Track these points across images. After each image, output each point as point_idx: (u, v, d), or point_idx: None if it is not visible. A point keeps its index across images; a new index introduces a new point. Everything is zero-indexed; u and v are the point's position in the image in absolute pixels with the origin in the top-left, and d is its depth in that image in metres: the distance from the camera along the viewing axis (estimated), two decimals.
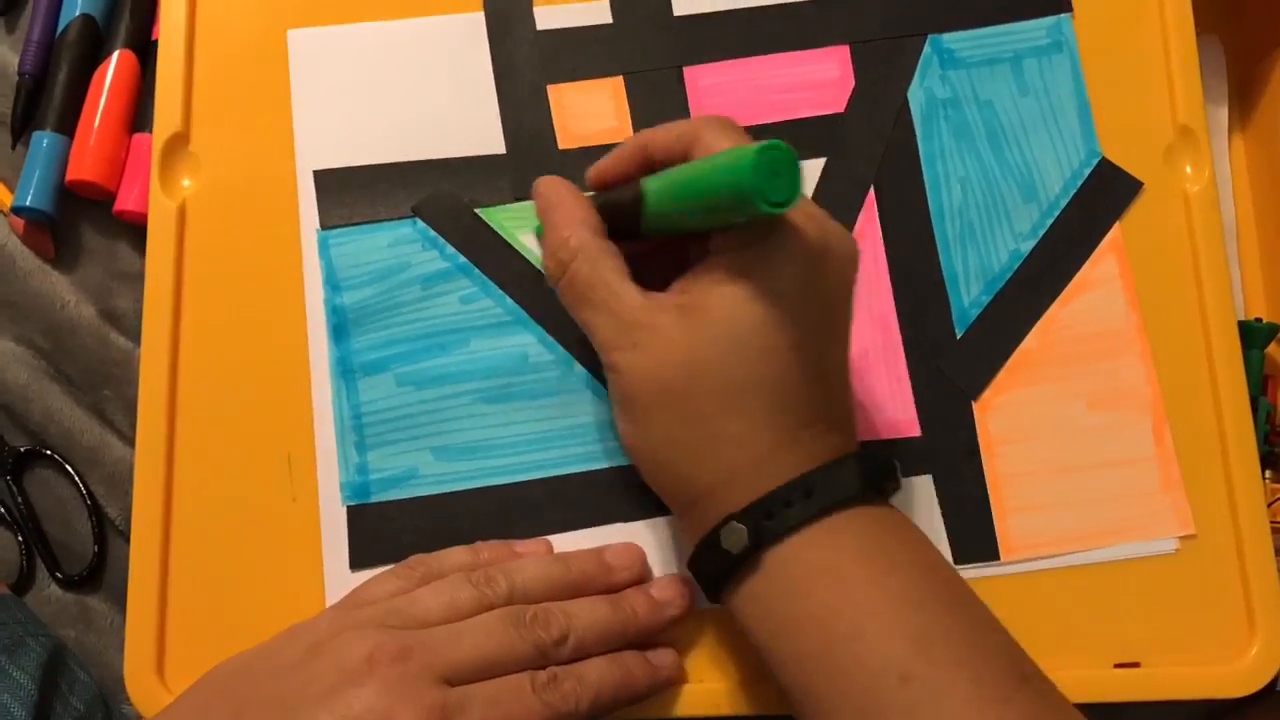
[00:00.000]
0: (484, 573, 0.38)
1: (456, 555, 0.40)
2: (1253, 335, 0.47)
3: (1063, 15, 0.47)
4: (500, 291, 0.44)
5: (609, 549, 0.41)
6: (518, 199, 0.45)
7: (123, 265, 0.49)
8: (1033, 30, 0.47)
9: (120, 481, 0.47)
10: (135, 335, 0.48)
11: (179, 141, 0.45)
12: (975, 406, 0.44)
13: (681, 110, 0.46)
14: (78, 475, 0.47)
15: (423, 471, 0.42)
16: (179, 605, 0.41)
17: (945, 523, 0.43)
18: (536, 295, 0.44)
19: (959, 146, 0.46)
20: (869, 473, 0.36)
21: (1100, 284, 0.45)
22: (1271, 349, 0.49)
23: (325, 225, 0.44)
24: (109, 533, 0.47)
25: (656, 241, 0.40)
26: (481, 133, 0.45)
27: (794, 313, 0.35)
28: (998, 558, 0.42)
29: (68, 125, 0.49)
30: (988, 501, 0.43)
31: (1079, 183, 0.46)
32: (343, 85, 0.46)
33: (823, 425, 0.36)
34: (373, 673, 0.34)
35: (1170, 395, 0.44)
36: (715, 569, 0.36)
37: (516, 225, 0.45)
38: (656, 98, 0.46)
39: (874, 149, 0.46)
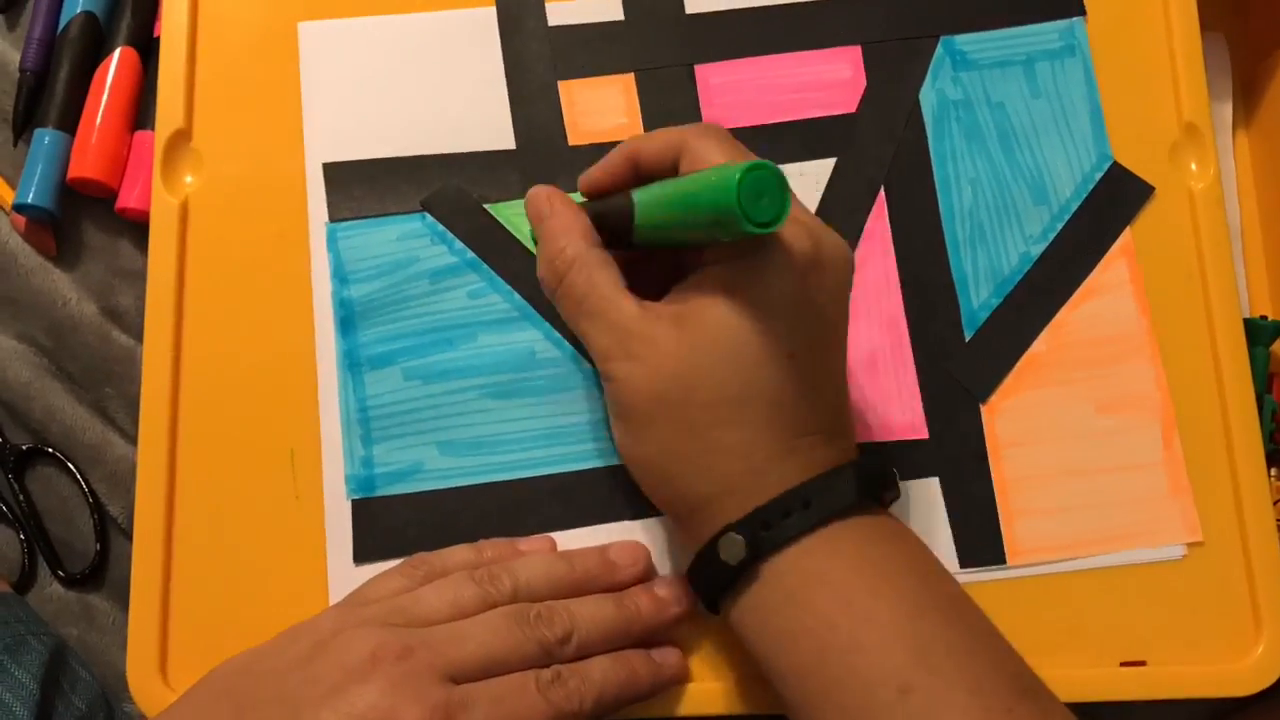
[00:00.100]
0: (488, 571, 0.38)
1: (460, 553, 0.40)
2: (1258, 333, 0.47)
3: (1075, 19, 0.47)
4: (508, 287, 0.44)
5: (613, 547, 0.41)
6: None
7: (125, 263, 0.49)
8: (1046, 33, 0.47)
9: (122, 479, 0.47)
10: (137, 333, 0.48)
11: (181, 138, 0.45)
12: (983, 409, 0.44)
13: (692, 108, 0.46)
14: (79, 473, 0.47)
15: (428, 466, 0.42)
16: (181, 603, 0.41)
17: (951, 525, 0.43)
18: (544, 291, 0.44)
19: (970, 148, 0.46)
20: (867, 482, 0.36)
21: (1110, 288, 0.45)
22: (1277, 347, 0.48)
23: (334, 218, 0.44)
24: (111, 531, 0.47)
25: (651, 249, 0.39)
26: (492, 128, 0.45)
27: (788, 323, 0.35)
28: (1004, 561, 0.42)
29: (69, 123, 0.49)
30: (994, 505, 0.43)
31: (1090, 186, 0.46)
32: (353, 78, 0.46)
33: (820, 435, 0.36)
34: (376, 671, 0.34)
35: (1175, 395, 0.44)
36: (713, 580, 0.36)
37: (525, 221, 0.44)
38: (667, 95, 0.46)
39: (885, 150, 0.46)
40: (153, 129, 0.45)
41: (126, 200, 0.48)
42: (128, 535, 0.46)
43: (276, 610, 0.39)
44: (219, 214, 0.44)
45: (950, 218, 0.45)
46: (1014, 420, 0.44)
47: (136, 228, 0.49)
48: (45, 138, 0.48)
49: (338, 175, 0.45)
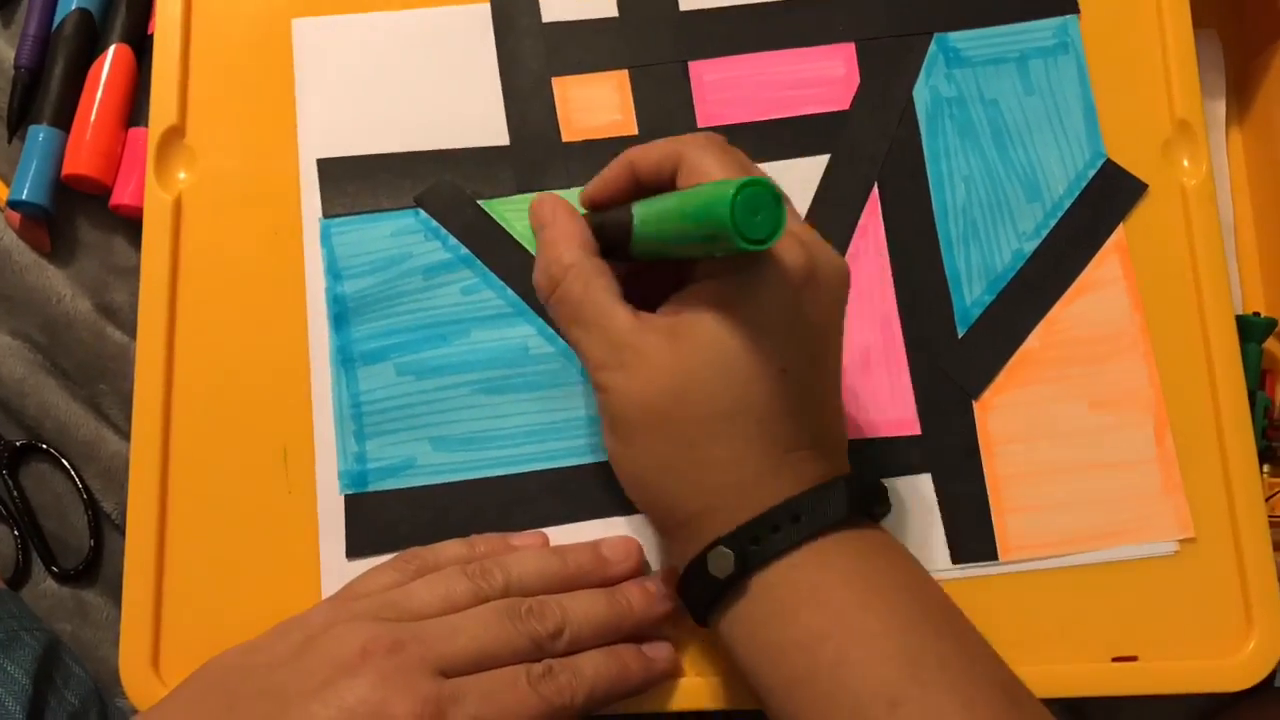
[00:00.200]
0: (479, 565, 0.38)
1: (452, 548, 0.40)
2: (1250, 329, 0.47)
3: (1069, 16, 0.47)
4: (501, 283, 0.44)
5: (605, 542, 0.41)
6: (520, 191, 0.45)
7: (119, 259, 0.49)
8: (1039, 30, 0.47)
9: (116, 476, 0.47)
10: (131, 329, 0.48)
11: (174, 135, 0.45)
12: (976, 406, 0.44)
13: (686, 105, 0.46)
14: (73, 469, 0.47)
15: (421, 461, 0.42)
16: (174, 599, 0.41)
17: (944, 522, 0.43)
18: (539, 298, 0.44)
19: (963, 145, 0.46)
20: (858, 497, 0.36)
21: (1103, 285, 0.45)
22: (1269, 343, 0.48)
23: (328, 214, 0.44)
24: (105, 527, 0.47)
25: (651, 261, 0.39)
26: (485, 124, 0.45)
27: (782, 338, 0.35)
28: (996, 558, 0.42)
29: (64, 119, 0.49)
30: (987, 501, 0.43)
31: (1083, 183, 0.46)
32: (347, 74, 0.46)
33: (811, 450, 0.36)
34: (367, 664, 0.34)
35: (1167, 391, 0.44)
36: (702, 594, 0.36)
37: (519, 217, 0.44)
38: (661, 92, 0.46)
39: (878, 147, 0.46)
40: (146, 126, 0.45)
41: (120, 197, 0.48)
42: (121, 531, 0.46)
43: (269, 605, 0.39)
44: (212, 210, 0.44)
45: (943, 214, 0.45)
46: (1006, 417, 0.44)
47: (130, 224, 0.49)
48: (40, 134, 0.48)
49: (331, 171, 0.45)
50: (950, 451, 0.43)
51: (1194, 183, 0.46)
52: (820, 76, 0.46)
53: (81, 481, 0.47)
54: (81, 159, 0.48)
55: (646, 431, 0.36)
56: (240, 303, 0.44)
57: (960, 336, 0.44)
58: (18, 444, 0.47)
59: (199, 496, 0.42)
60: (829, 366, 0.37)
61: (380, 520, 0.42)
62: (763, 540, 0.34)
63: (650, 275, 0.39)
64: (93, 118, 0.48)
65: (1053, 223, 0.45)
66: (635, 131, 0.46)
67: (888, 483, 0.42)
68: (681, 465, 0.35)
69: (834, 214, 0.45)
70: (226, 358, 0.43)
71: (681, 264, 0.39)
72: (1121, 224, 0.45)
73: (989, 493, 0.43)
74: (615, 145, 0.45)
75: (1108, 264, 0.45)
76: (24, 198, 0.48)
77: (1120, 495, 0.43)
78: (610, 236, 0.39)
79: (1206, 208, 0.45)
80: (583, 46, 0.46)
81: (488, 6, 0.46)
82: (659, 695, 0.40)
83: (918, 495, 0.43)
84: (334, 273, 0.44)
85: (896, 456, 0.43)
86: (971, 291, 0.45)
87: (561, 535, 0.42)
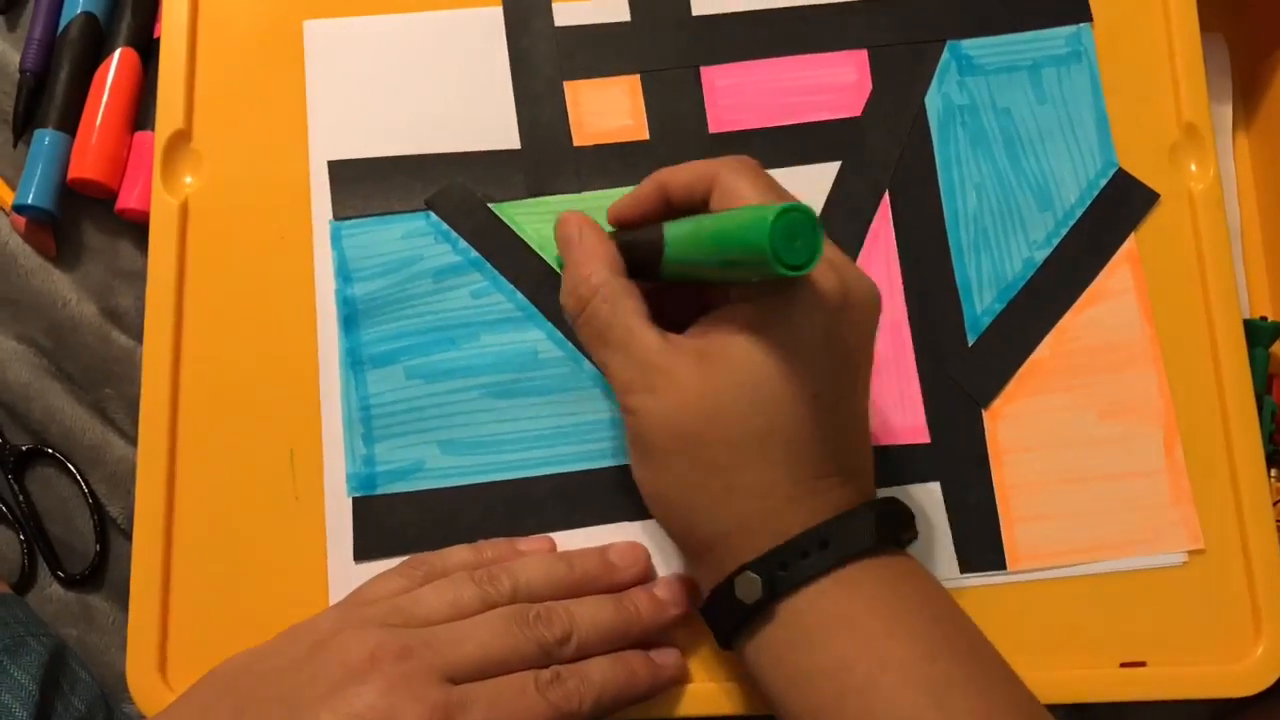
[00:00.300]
0: (487, 571, 0.38)
1: (459, 554, 0.40)
2: (1258, 334, 0.47)
3: (1082, 25, 0.47)
4: (511, 287, 0.44)
5: (613, 548, 0.41)
6: (531, 195, 0.45)
7: (124, 263, 0.49)
8: (1052, 39, 0.47)
9: (122, 480, 0.47)
10: (137, 334, 0.48)
11: (181, 139, 0.45)
12: (985, 414, 0.44)
13: (698, 110, 0.46)
14: (79, 474, 0.47)
15: (429, 465, 0.42)
16: (181, 604, 0.41)
17: (952, 530, 0.43)
18: (547, 291, 0.44)
19: (975, 153, 0.46)
20: (886, 523, 0.35)
21: (1114, 295, 0.45)
22: (1276, 347, 0.48)
23: (338, 216, 0.44)
24: (111, 531, 0.47)
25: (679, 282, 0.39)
26: (497, 128, 0.45)
27: (813, 364, 0.34)
28: (1004, 567, 0.42)
29: (69, 123, 0.49)
30: (995, 510, 0.43)
31: (1095, 193, 0.46)
32: (359, 76, 0.46)
33: (840, 475, 0.36)
34: (375, 671, 0.34)
35: (1174, 396, 0.44)
36: (728, 618, 0.36)
37: (529, 221, 0.44)
38: (673, 97, 0.46)
39: (890, 154, 0.46)
40: (153, 130, 0.45)
41: (126, 201, 0.48)
42: (127, 536, 0.46)
43: (276, 610, 0.39)
44: (219, 214, 0.44)
45: (954, 223, 0.45)
46: (1016, 426, 0.43)
47: (136, 228, 0.49)
48: (45, 138, 0.48)
49: (342, 173, 0.45)
50: (959, 460, 0.43)
51: (1201, 187, 0.46)
52: (832, 83, 0.46)
53: (87, 486, 0.47)
54: (87, 163, 0.48)
55: (674, 455, 0.35)
56: (247, 306, 0.44)
57: (970, 345, 0.44)
58: (24, 448, 0.47)
59: (205, 501, 0.42)
60: (859, 392, 0.37)
61: (388, 523, 0.42)
62: (791, 566, 0.34)
63: (676, 295, 0.39)
64: (98, 122, 0.48)
65: (1064, 232, 0.45)
66: (646, 136, 0.45)
67: (896, 491, 0.43)
68: (709, 489, 0.35)
69: (845, 221, 0.45)
70: (232, 362, 0.43)
71: (709, 284, 0.39)
72: (1133, 234, 0.45)
73: (998, 502, 0.43)
74: (626, 150, 0.45)
75: (1119, 274, 0.45)
76: (30, 202, 0.48)
77: (1129, 506, 0.43)
78: (639, 256, 0.38)
79: (1214, 212, 0.45)
80: (595, 50, 0.46)
81: (500, 9, 0.46)
82: (667, 701, 0.40)
83: (926, 504, 0.43)
84: (344, 275, 0.44)
85: (905, 464, 0.43)
86: (982, 300, 0.45)
87: (569, 540, 0.42)
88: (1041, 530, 0.42)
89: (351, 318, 0.43)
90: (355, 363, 0.43)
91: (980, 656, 0.35)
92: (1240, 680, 0.41)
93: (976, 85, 0.46)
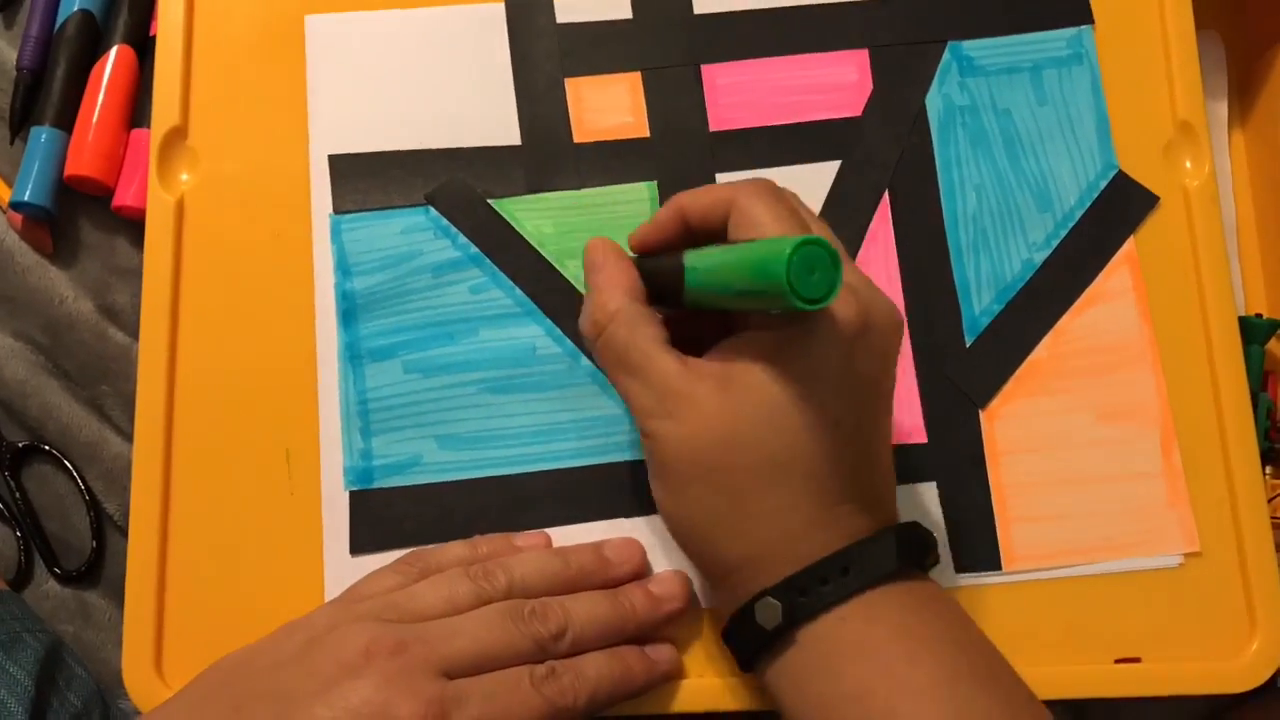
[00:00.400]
0: (482, 567, 0.38)
1: (455, 549, 0.40)
2: (1253, 331, 0.47)
3: (1084, 27, 0.47)
4: (510, 283, 0.44)
5: (608, 544, 0.41)
6: (531, 191, 0.45)
7: (121, 260, 0.49)
8: (1053, 40, 0.47)
9: (118, 477, 0.47)
10: (133, 331, 0.48)
11: (177, 135, 0.45)
12: (982, 415, 0.44)
13: (698, 108, 0.46)
14: (76, 471, 0.47)
15: (426, 459, 0.42)
16: (177, 600, 0.41)
17: (948, 531, 0.43)
18: (546, 287, 0.44)
19: (975, 154, 0.46)
20: (907, 549, 0.35)
21: (1113, 296, 0.45)
22: (1272, 345, 0.48)
23: (338, 210, 0.44)
24: (107, 528, 0.47)
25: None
26: (497, 124, 0.45)
27: (834, 390, 0.34)
28: (1000, 568, 0.42)
29: (66, 120, 0.48)
30: (992, 511, 0.43)
31: (1094, 194, 0.46)
32: (360, 71, 0.46)
33: (861, 500, 0.35)
34: (370, 665, 0.34)
35: (1170, 395, 0.44)
36: (749, 643, 0.35)
37: (529, 217, 0.45)
38: (673, 95, 0.46)
39: (890, 154, 0.46)
40: (149, 127, 0.45)
41: (123, 198, 0.48)
42: (124, 533, 0.46)
43: (272, 605, 0.39)
44: (215, 211, 0.44)
45: (954, 223, 0.45)
46: (1013, 427, 0.44)
47: (133, 225, 0.49)
48: (42, 135, 0.48)
49: (343, 167, 0.45)
50: (956, 460, 0.43)
51: (1196, 184, 0.46)
52: (833, 82, 0.46)
53: (84, 483, 0.47)
54: (84, 160, 0.47)
55: (693, 480, 0.35)
56: (243, 303, 0.44)
57: (968, 345, 0.44)
58: (20, 445, 0.47)
59: (201, 497, 0.42)
60: (880, 418, 0.36)
61: (385, 517, 0.42)
62: (811, 592, 0.34)
63: (700, 319, 0.39)
64: (95, 119, 0.48)
65: (1063, 233, 0.45)
66: (647, 134, 0.46)
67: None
68: (729, 514, 0.35)
69: (844, 220, 0.45)
70: (229, 358, 0.43)
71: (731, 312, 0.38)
72: (1132, 236, 0.45)
73: (994, 502, 0.43)
74: (627, 147, 0.45)
75: (1117, 275, 0.45)
76: (26, 199, 0.47)
77: (1125, 508, 0.43)
78: (662, 284, 0.38)
79: (1209, 209, 0.45)
80: (596, 48, 0.46)
81: (502, 6, 0.46)
82: (662, 697, 0.40)
83: (922, 504, 0.43)
84: (343, 269, 0.44)
85: (902, 464, 0.43)
86: (980, 300, 0.45)
87: (565, 536, 0.42)
88: (1038, 531, 0.43)
89: (350, 312, 0.43)
90: (354, 357, 0.43)
91: (1001, 682, 0.34)
92: (1234, 677, 0.42)
93: (977, 86, 0.46)
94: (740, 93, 0.46)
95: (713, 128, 0.46)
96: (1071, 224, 0.45)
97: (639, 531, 0.42)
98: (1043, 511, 0.43)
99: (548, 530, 0.42)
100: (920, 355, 0.44)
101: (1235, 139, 0.52)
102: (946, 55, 0.47)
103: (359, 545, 0.42)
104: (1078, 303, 0.45)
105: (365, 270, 0.44)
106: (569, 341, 0.43)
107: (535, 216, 0.44)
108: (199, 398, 0.43)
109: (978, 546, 0.42)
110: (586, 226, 0.44)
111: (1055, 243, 0.45)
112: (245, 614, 0.40)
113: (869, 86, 0.46)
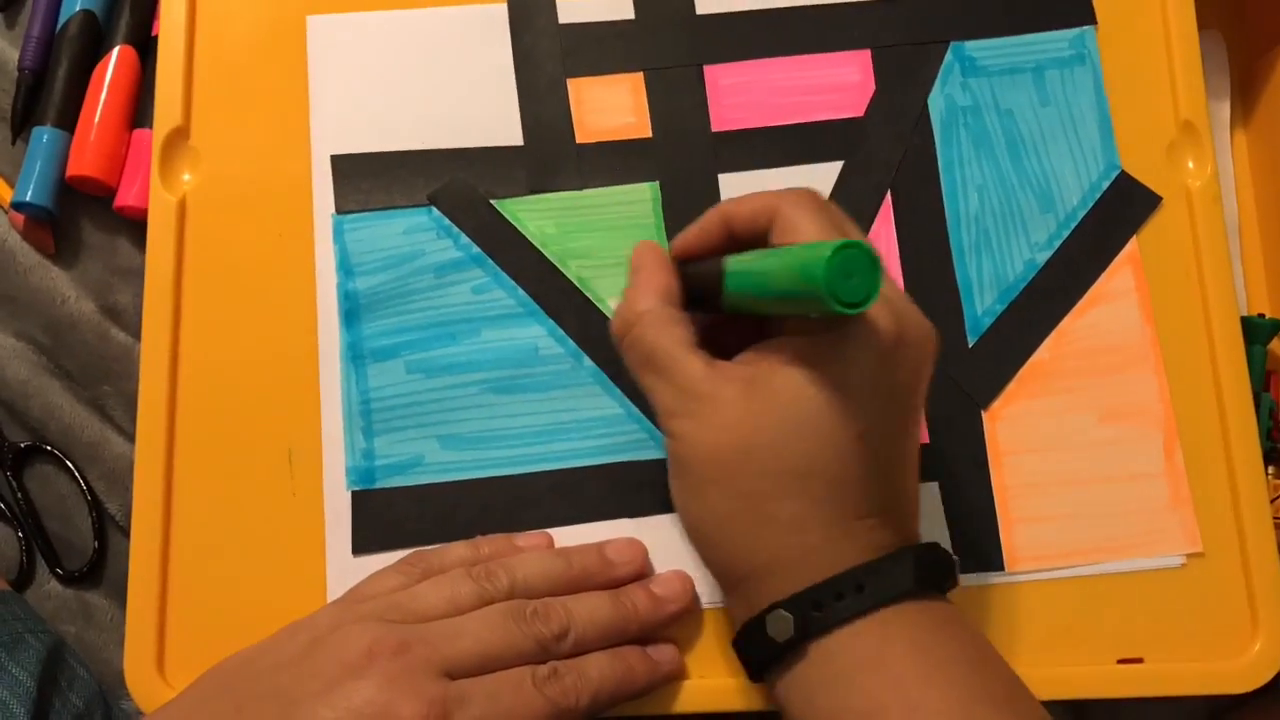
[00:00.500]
0: (485, 568, 0.38)
1: (457, 550, 0.40)
2: (1255, 331, 0.47)
3: (1086, 27, 0.47)
4: (513, 283, 0.44)
5: (610, 544, 0.41)
6: (533, 191, 0.45)
7: (123, 261, 0.49)
8: (1056, 41, 0.47)
9: (120, 477, 0.47)
10: (135, 331, 0.48)
11: (179, 136, 0.45)
12: (985, 416, 0.44)
13: (701, 109, 0.46)
14: (78, 471, 0.47)
15: (428, 459, 0.42)
16: (179, 601, 0.41)
17: (950, 531, 0.43)
18: (548, 288, 0.44)
19: (978, 154, 0.46)
20: (925, 569, 0.35)
21: (1115, 297, 0.45)
22: (1274, 345, 0.48)
23: (341, 210, 0.44)
24: (109, 528, 0.47)
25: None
26: (500, 124, 0.45)
27: (862, 403, 0.34)
28: (1002, 568, 0.42)
29: (68, 121, 0.49)
30: (994, 511, 0.43)
31: (1097, 195, 0.46)
32: (362, 71, 0.46)
33: (881, 516, 0.35)
34: (373, 666, 0.34)
35: (1173, 396, 0.44)
36: (759, 654, 0.35)
37: (531, 217, 0.45)
38: (676, 95, 0.46)
39: (892, 154, 0.46)
40: (151, 127, 0.45)
41: (125, 198, 0.48)
42: (126, 533, 0.46)
43: (274, 606, 0.39)
44: (217, 211, 0.44)
45: (956, 223, 0.45)
46: (1015, 427, 0.43)
47: (135, 226, 0.49)
48: (44, 136, 0.48)
49: (345, 167, 0.45)
50: (958, 461, 0.43)
51: (1199, 184, 0.46)
52: (835, 83, 0.46)
53: (86, 483, 0.47)
54: (85, 160, 0.48)
55: (712, 482, 0.35)
56: (245, 303, 0.44)
57: (970, 346, 0.44)
58: (22, 445, 0.47)
59: (203, 497, 0.42)
60: (908, 433, 0.36)
61: (387, 517, 0.42)
62: (825, 607, 0.34)
63: (739, 329, 0.39)
64: (97, 119, 0.48)
65: (1065, 234, 0.45)
66: (649, 134, 0.45)
67: None
68: (745, 519, 0.35)
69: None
70: (231, 358, 0.43)
71: (769, 317, 0.38)
72: (1135, 236, 0.45)
73: (996, 503, 0.43)
74: (629, 147, 0.45)
75: (1120, 276, 0.45)
76: (28, 199, 0.48)
77: (1128, 509, 0.43)
78: (701, 288, 0.38)
79: (1211, 209, 0.45)
80: (598, 48, 0.46)
81: (504, 6, 0.46)
82: (664, 697, 0.40)
83: (925, 504, 0.43)
84: (346, 269, 0.44)
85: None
86: (983, 301, 0.45)
87: (567, 536, 0.42)
88: (1040, 532, 0.42)
89: (353, 312, 0.43)
90: (356, 357, 0.43)
91: (1016, 705, 0.34)
92: (1236, 677, 0.42)
93: (980, 86, 0.46)
94: (743, 93, 0.46)
95: (715, 128, 0.46)
96: (1074, 224, 0.45)
97: (641, 532, 0.42)
98: (1045, 512, 0.43)
99: (550, 530, 0.42)
100: None
101: (1238, 139, 0.52)
102: (949, 56, 0.47)
103: (361, 545, 0.42)
104: (1080, 303, 0.45)
105: (367, 270, 0.44)
106: (571, 342, 0.43)
107: (537, 217, 0.45)
108: (201, 398, 0.43)
109: (980, 547, 0.42)
110: (588, 227, 0.45)
111: (1058, 243, 0.45)
112: (247, 614, 0.40)
113: (871, 87, 0.46)
